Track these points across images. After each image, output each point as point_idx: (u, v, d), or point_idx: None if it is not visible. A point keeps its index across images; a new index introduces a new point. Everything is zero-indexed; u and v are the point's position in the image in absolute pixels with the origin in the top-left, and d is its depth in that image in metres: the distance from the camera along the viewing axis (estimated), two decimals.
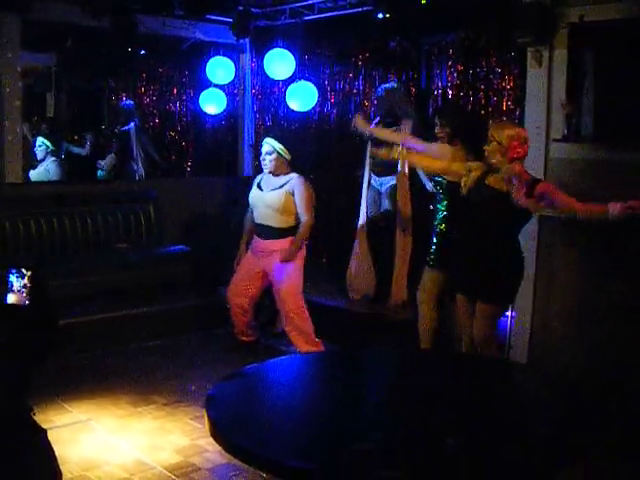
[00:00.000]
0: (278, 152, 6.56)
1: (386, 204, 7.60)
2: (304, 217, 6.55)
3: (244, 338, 7.04)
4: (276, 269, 6.61)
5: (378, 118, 7.57)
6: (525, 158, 5.16)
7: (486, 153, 5.14)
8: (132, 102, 10.44)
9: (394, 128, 7.21)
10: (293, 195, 6.53)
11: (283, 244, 6.57)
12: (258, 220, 6.69)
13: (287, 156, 6.60)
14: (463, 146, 6.08)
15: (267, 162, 6.60)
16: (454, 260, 5.50)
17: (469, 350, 5.40)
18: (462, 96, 7.81)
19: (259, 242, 6.70)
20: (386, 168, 7.44)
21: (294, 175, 6.62)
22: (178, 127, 11.12)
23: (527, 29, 6.00)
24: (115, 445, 5.16)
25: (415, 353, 5.48)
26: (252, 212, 6.78)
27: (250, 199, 6.77)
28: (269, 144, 6.60)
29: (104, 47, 9.07)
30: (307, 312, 6.69)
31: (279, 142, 6.59)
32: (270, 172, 6.62)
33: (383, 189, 7.62)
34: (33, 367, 1.93)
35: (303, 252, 6.68)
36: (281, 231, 6.59)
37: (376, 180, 7.67)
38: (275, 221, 6.58)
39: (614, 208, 4.72)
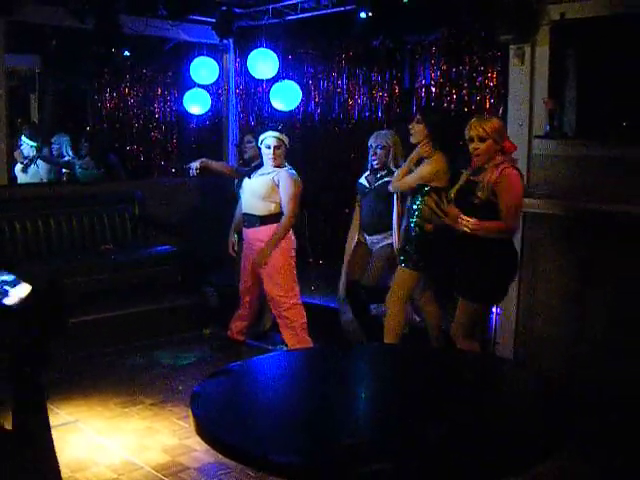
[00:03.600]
0: (285, 144, 6.56)
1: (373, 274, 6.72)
2: (285, 210, 6.52)
3: (240, 337, 7.06)
4: (267, 265, 6.63)
5: (369, 171, 6.73)
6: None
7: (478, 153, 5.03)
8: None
9: (386, 180, 6.52)
10: (277, 185, 6.54)
11: (263, 233, 6.60)
12: (243, 209, 6.75)
13: (287, 143, 6.61)
14: (442, 153, 6.07)
15: (276, 157, 6.52)
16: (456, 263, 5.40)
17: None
18: (445, 94, 7.85)
19: (245, 232, 6.77)
20: (378, 224, 6.67)
21: (285, 169, 6.59)
22: (162, 127, 11.11)
23: (509, 27, 6.04)
24: (103, 446, 5.17)
25: (401, 349, 5.50)
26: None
27: (240, 188, 6.82)
28: (276, 138, 6.52)
29: (88, 48, 9.05)
30: (300, 307, 6.70)
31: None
32: (276, 165, 6.57)
33: (374, 249, 6.75)
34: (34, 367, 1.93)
35: (292, 246, 6.69)
36: (261, 219, 6.60)
37: (366, 239, 6.80)
38: (256, 208, 6.60)
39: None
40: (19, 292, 2.02)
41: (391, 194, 6.44)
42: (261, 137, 6.62)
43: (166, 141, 11.09)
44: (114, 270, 7.65)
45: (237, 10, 8.63)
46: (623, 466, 4.68)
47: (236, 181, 7.25)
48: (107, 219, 8.26)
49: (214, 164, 7.37)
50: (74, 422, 5.53)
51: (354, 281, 6.80)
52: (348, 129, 8.80)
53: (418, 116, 6.14)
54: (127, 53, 9.66)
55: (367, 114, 8.58)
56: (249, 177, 6.68)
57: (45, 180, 9.29)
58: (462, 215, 4.97)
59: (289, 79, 8.49)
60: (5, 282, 2.10)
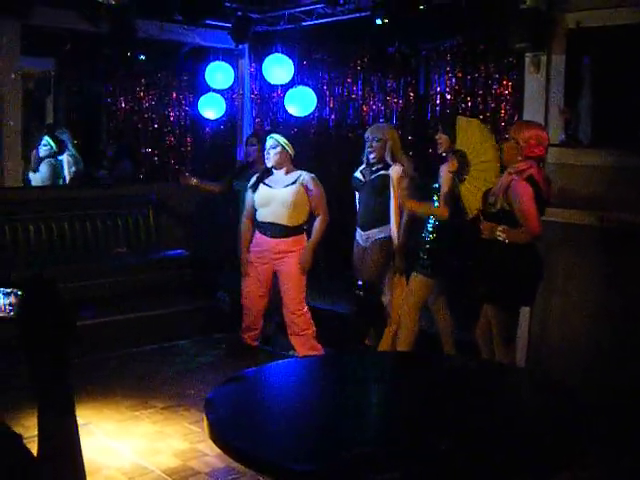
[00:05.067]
0: (283, 146, 6.61)
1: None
2: (320, 215, 6.63)
3: (254, 343, 7.05)
4: (284, 270, 6.65)
5: (365, 164, 6.66)
6: (541, 159, 5.21)
7: (504, 150, 5.21)
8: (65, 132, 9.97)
9: (382, 173, 6.48)
10: (306, 190, 6.58)
11: (291, 244, 6.64)
12: (267, 219, 6.68)
13: (291, 151, 6.66)
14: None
15: (271, 156, 6.63)
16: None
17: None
18: (460, 101, 7.84)
19: (266, 241, 6.71)
20: (374, 219, 6.58)
21: (303, 172, 6.69)
22: (177, 132, 11.13)
23: (524, 35, 6.02)
24: (114, 449, 5.17)
25: (412, 356, 5.50)
26: (254, 212, 6.80)
27: (257, 198, 6.75)
28: (274, 138, 6.65)
29: (103, 52, 9.07)
30: (309, 315, 6.72)
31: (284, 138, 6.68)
32: (273, 166, 6.66)
33: (368, 244, 6.62)
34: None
35: None
36: (290, 229, 6.63)
37: (361, 235, 6.68)
38: (286, 219, 6.61)
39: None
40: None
41: (387, 188, 6.43)
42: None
43: (180, 145, 11.11)
44: (128, 273, 7.66)
45: (253, 15, 8.64)
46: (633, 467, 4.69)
47: (235, 182, 7.59)
48: (121, 222, 8.28)
49: (202, 185, 7.95)
50: (85, 425, 5.51)
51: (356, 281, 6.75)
52: (362, 135, 8.78)
53: (440, 126, 6.15)
54: (142, 57, 9.67)
55: (382, 120, 8.56)
56: (267, 185, 6.68)
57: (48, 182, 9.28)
58: (497, 227, 5.09)
59: (304, 85, 8.50)
60: None
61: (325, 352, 6.68)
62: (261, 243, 6.76)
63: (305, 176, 6.64)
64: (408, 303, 6.19)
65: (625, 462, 4.81)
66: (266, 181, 6.72)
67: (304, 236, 6.75)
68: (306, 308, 6.74)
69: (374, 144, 6.50)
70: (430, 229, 6.10)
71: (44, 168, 9.24)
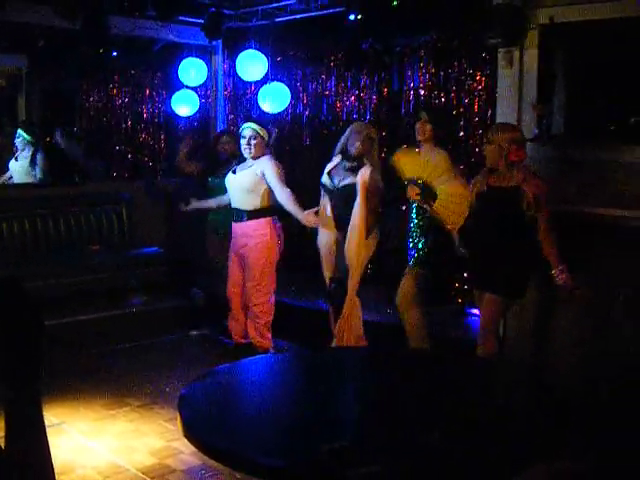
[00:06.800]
0: (262, 137, 6.59)
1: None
2: (280, 190, 6.49)
3: (242, 340, 7.00)
4: (245, 258, 6.68)
5: (339, 159, 6.47)
6: (524, 161, 5.32)
7: (485, 155, 5.33)
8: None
9: (349, 182, 6.28)
10: (262, 176, 6.54)
11: (251, 227, 6.63)
12: (233, 205, 6.77)
13: (266, 136, 6.65)
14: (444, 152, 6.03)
15: (252, 147, 6.57)
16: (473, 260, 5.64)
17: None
18: (434, 97, 7.85)
19: (234, 227, 6.79)
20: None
21: (265, 157, 6.62)
22: (150, 129, 11.08)
23: (497, 30, 6.04)
24: (89, 448, 5.14)
25: (387, 351, 5.49)
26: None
27: (226, 185, 6.83)
28: (251, 128, 6.58)
29: (76, 49, 9.01)
30: (268, 307, 6.78)
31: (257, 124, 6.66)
32: (252, 157, 6.61)
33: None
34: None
35: (276, 249, 6.72)
36: (250, 213, 6.63)
37: (336, 234, 6.52)
38: (244, 203, 6.64)
39: (560, 277, 5.16)
40: None
41: (357, 195, 6.24)
42: (241, 129, 6.72)
43: (154, 142, 11.06)
44: (101, 271, 7.62)
45: (226, 11, 8.60)
46: (614, 464, 4.72)
47: (209, 179, 7.58)
48: (95, 220, 8.24)
49: (204, 204, 7.32)
50: (60, 424, 5.50)
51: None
52: (336, 131, 8.78)
53: (426, 115, 6.14)
54: (115, 54, 9.62)
55: (355, 116, 8.57)
56: (234, 172, 6.70)
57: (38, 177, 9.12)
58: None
59: (278, 81, 8.48)
60: None
61: (276, 344, 6.87)
62: (233, 229, 6.83)
63: (262, 162, 6.57)
64: (406, 298, 6.19)
65: (599, 454, 4.83)
66: (235, 168, 6.76)
67: (267, 221, 6.64)
68: (266, 298, 6.75)
69: (363, 137, 6.29)
70: (419, 221, 6.13)
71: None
